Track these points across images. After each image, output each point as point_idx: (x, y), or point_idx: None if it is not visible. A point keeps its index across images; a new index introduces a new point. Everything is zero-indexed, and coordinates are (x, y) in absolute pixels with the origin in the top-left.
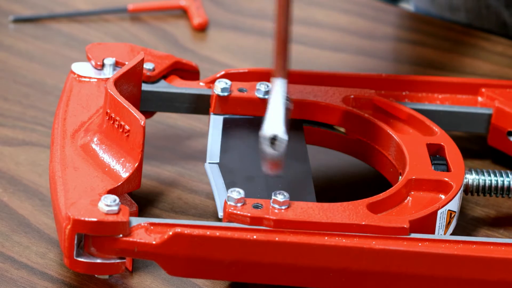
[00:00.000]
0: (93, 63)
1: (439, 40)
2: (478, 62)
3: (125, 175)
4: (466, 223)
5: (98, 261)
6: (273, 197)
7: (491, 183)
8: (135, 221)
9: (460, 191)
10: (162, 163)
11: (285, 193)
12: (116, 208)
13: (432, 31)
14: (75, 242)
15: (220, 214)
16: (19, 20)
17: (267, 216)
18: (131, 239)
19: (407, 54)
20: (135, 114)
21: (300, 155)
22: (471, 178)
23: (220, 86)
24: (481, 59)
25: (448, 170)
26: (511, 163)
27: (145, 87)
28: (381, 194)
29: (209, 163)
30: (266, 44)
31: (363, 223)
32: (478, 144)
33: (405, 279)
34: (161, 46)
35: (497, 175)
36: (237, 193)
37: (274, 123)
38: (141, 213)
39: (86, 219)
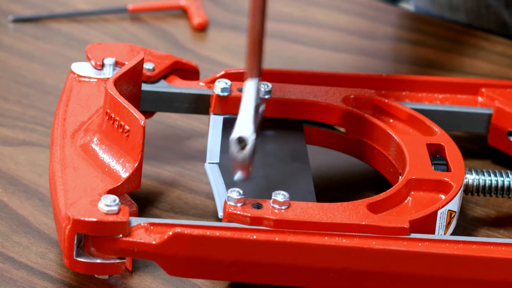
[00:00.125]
0: (93, 63)
1: (439, 40)
2: (478, 62)
3: (125, 175)
4: (466, 223)
5: (98, 261)
6: (273, 197)
7: (491, 183)
8: (135, 221)
9: (460, 191)
10: (162, 163)
11: (285, 193)
12: (116, 208)
13: (432, 31)
14: (75, 242)
15: (220, 214)
16: (19, 20)
17: (267, 216)
18: (131, 239)
19: (407, 54)
20: (135, 114)
21: (300, 155)
22: (471, 178)
23: (220, 86)
24: (481, 59)
25: (448, 170)
26: (511, 163)
27: (145, 87)
28: (381, 194)
29: (209, 163)
30: (266, 44)
31: (363, 223)
32: (478, 144)
33: (405, 279)
34: (161, 46)
35: (497, 175)
36: (237, 193)
37: (243, 124)
38: (141, 213)
39: (86, 219)
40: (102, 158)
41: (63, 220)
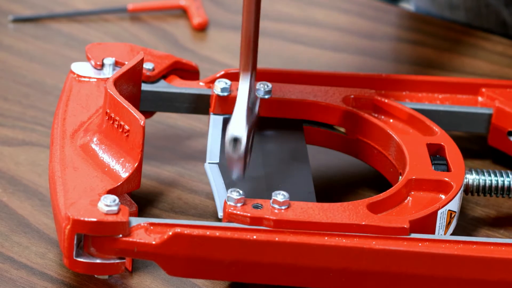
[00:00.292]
0: (93, 63)
1: (439, 40)
2: (478, 62)
3: (124, 175)
4: (466, 223)
5: (98, 261)
6: (273, 197)
7: (491, 183)
8: (135, 221)
9: (460, 191)
10: (162, 163)
11: (285, 193)
12: (115, 208)
13: (432, 31)
14: (75, 242)
15: (220, 214)
16: (18, 20)
17: (267, 216)
18: (130, 239)
19: (407, 54)
20: (134, 114)
21: (300, 155)
22: (471, 178)
23: (220, 86)
24: (481, 59)
25: (448, 170)
26: (511, 163)
27: (145, 87)
28: (381, 194)
29: (209, 163)
30: (266, 44)
31: (363, 223)
32: (479, 144)
33: (405, 279)
34: (161, 46)
35: (498, 175)
36: (237, 193)
37: (236, 123)
38: (140, 213)
39: (86, 219)
40: (102, 158)
41: (63, 220)
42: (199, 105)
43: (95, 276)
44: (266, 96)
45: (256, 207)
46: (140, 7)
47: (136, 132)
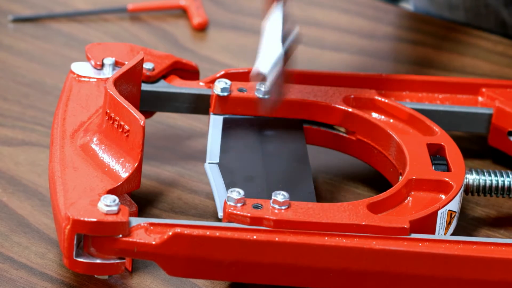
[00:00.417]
0: (93, 63)
1: (439, 40)
2: (478, 62)
3: (124, 175)
4: (466, 223)
5: (98, 261)
6: (273, 197)
7: (491, 183)
8: (135, 221)
9: (460, 191)
10: (162, 163)
11: (285, 193)
12: (115, 208)
13: (432, 31)
14: (75, 242)
15: (220, 214)
16: (18, 20)
17: (267, 216)
18: (130, 239)
19: (407, 54)
20: (134, 114)
21: (300, 155)
22: (472, 178)
23: (220, 86)
24: (481, 59)
25: (448, 170)
26: (511, 163)
27: (145, 87)
28: (381, 194)
29: (209, 163)
30: None
31: (363, 223)
32: (479, 144)
33: (406, 279)
34: (161, 46)
35: (498, 175)
36: (237, 193)
37: (262, 58)
38: (140, 213)
39: (86, 219)
40: (101, 158)
41: (62, 220)
42: (199, 105)
43: (95, 276)
44: (266, 96)
45: (256, 207)
46: (140, 7)
47: (136, 132)
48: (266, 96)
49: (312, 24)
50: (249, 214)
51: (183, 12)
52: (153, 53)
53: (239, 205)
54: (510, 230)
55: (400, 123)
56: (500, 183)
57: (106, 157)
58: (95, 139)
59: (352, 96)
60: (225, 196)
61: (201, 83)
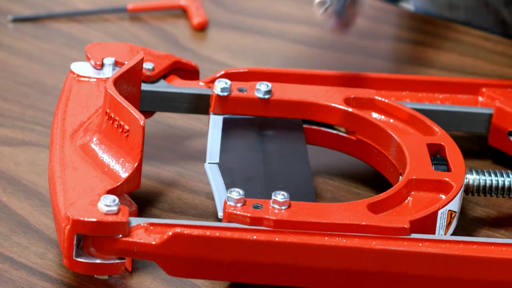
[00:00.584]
0: (93, 62)
1: (439, 39)
2: (478, 62)
3: (124, 175)
4: (466, 224)
5: (98, 261)
6: (273, 197)
7: (491, 183)
8: (135, 221)
9: (460, 191)
10: (162, 163)
11: (285, 193)
12: (115, 208)
13: (432, 31)
14: (75, 242)
15: (220, 214)
16: (18, 20)
17: (267, 216)
18: (130, 240)
19: (407, 54)
20: (134, 114)
21: (300, 155)
22: (472, 178)
23: (220, 86)
24: (481, 59)
25: (448, 170)
26: (511, 163)
27: (145, 87)
28: (381, 194)
29: (209, 163)
30: (266, 44)
31: (363, 223)
32: (479, 144)
33: (406, 279)
34: (161, 45)
35: (498, 175)
36: (237, 193)
37: None
38: (140, 213)
39: (86, 219)
40: (101, 158)
41: (62, 220)
42: (199, 105)
43: (95, 276)
44: (266, 96)
45: (256, 207)
46: (140, 7)
47: (136, 132)
48: (267, 96)
49: (312, 24)
50: (249, 214)
51: (183, 12)
52: (153, 53)
53: (239, 205)
54: (510, 230)
55: (400, 123)
56: (500, 183)
57: (106, 157)
58: (95, 139)
59: (352, 96)
60: (225, 196)
61: (201, 83)
